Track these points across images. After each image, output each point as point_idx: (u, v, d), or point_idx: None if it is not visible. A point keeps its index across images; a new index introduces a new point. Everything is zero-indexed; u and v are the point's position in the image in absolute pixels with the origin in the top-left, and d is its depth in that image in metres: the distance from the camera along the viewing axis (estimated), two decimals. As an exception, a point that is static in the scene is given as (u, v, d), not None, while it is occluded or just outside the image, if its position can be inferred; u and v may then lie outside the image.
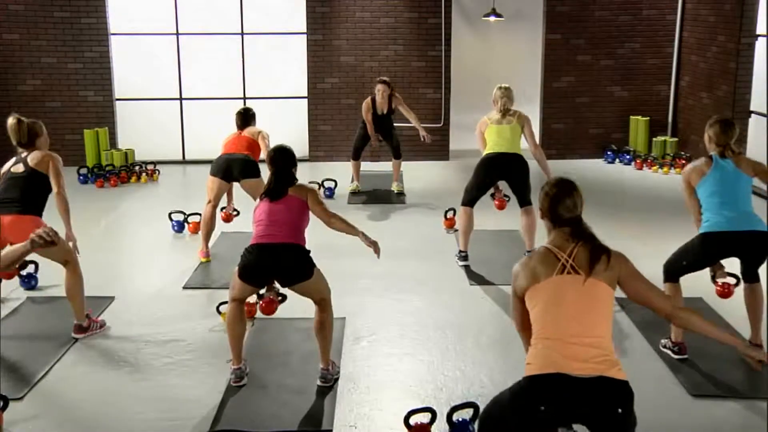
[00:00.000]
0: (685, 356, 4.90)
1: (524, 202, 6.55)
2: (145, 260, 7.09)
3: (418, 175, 10.08)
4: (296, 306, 5.17)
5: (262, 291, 4.85)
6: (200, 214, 7.08)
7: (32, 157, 5.23)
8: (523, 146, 6.62)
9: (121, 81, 10.79)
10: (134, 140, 10.74)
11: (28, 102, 10.38)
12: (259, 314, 5.49)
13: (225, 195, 7.15)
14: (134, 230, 8.11)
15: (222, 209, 7.34)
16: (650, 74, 11.18)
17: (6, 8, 10.37)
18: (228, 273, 6.36)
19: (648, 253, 6.02)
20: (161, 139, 10.84)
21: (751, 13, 9.32)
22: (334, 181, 9.08)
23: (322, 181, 8.99)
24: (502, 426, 3.00)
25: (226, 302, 5.51)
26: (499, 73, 9.99)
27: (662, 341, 5.07)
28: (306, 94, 10.92)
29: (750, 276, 4.80)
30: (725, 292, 5.08)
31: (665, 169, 10.33)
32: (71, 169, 9.53)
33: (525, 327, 3.18)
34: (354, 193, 9.16)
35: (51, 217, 5.27)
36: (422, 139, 9.06)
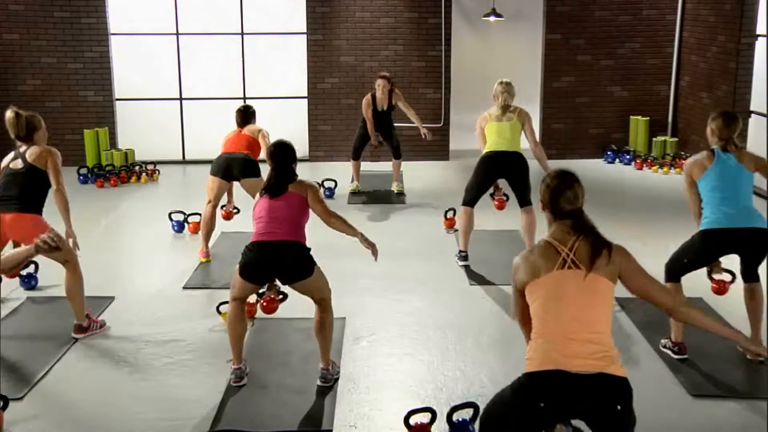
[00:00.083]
0: (685, 356, 4.90)
1: (524, 201, 6.55)
2: (145, 260, 7.09)
3: (418, 175, 10.08)
4: (296, 306, 5.16)
5: (263, 290, 4.84)
6: (200, 214, 7.08)
7: (31, 153, 5.20)
8: (524, 146, 6.61)
9: (121, 81, 10.79)
10: (134, 140, 10.74)
11: (28, 102, 10.35)
12: (259, 314, 5.49)
13: (225, 194, 7.15)
14: (134, 230, 8.11)
15: (222, 207, 7.34)
16: (650, 74, 11.18)
17: (6, 8, 10.38)
18: (228, 273, 6.36)
19: (648, 252, 6.01)
20: (161, 139, 10.84)
21: (751, 13, 9.32)
22: (334, 181, 9.08)
23: (322, 181, 8.99)
24: (503, 423, 2.99)
25: (226, 302, 5.51)
26: (499, 73, 9.93)
27: (662, 341, 5.07)
28: (306, 94, 10.92)
29: (749, 275, 4.80)
30: (720, 289, 5.06)
31: (665, 169, 10.33)
32: (71, 169, 9.54)
33: (526, 321, 3.16)
34: (354, 193, 9.16)
35: (51, 213, 5.27)
36: (423, 137, 9.05)
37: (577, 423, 3.05)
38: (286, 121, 10.63)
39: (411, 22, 10.80)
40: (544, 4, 11.00)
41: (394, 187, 9.23)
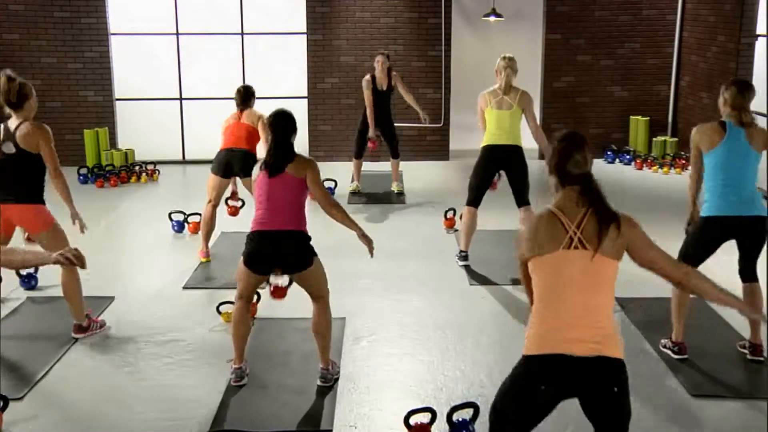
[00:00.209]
0: (685, 356, 4.89)
1: (522, 201, 6.53)
2: (145, 260, 7.09)
3: (418, 175, 10.08)
4: (296, 306, 5.17)
5: (272, 279, 4.77)
6: (200, 214, 7.08)
7: (21, 135, 4.94)
8: (525, 146, 6.61)
9: (121, 81, 10.79)
10: (134, 140, 10.74)
11: (28, 102, 10.37)
12: (259, 314, 5.49)
13: (228, 190, 7.09)
14: (134, 230, 8.11)
15: (226, 200, 7.29)
16: (650, 74, 11.18)
17: (6, 8, 10.38)
18: (228, 273, 6.36)
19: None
20: (161, 139, 10.84)
21: (751, 13, 9.32)
22: (334, 181, 9.08)
23: (322, 181, 8.97)
24: (508, 412, 2.95)
25: (226, 302, 5.53)
26: (499, 73, 9.98)
27: (662, 341, 5.07)
28: (306, 94, 10.92)
29: (748, 274, 4.78)
30: None
31: (665, 169, 10.33)
32: (71, 168, 9.53)
33: (530, 288, 3.05)
34: (354, 194, 9.16)
35: (53, 203, 5.23)
36: (423, 121, 9.04)
37: (574, 417, 3.04)
38: (286, 121, 10.61)
39: (411, 22, 10.80)
40: (544, 4, 11.00)
41: (394, 187, 9.23)
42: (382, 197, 9.08)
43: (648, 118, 11.10)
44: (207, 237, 6.86)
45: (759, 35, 9.31)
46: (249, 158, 6.73)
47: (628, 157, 10.84)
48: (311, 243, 4.48)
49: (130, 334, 5.36)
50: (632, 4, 10.98)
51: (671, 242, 5.29)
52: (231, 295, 5.71)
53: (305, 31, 10.76)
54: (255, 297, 5.23)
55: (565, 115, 11.15)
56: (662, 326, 5.19)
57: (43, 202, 5.11)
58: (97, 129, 10.53)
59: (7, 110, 5.03)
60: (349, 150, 9.41)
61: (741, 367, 4.84)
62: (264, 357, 4.97)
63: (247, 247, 4.45)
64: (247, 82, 10.73)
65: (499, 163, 6.53)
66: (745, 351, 4.94)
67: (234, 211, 7.37)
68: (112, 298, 5.96)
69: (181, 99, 10.91)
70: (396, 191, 9.19)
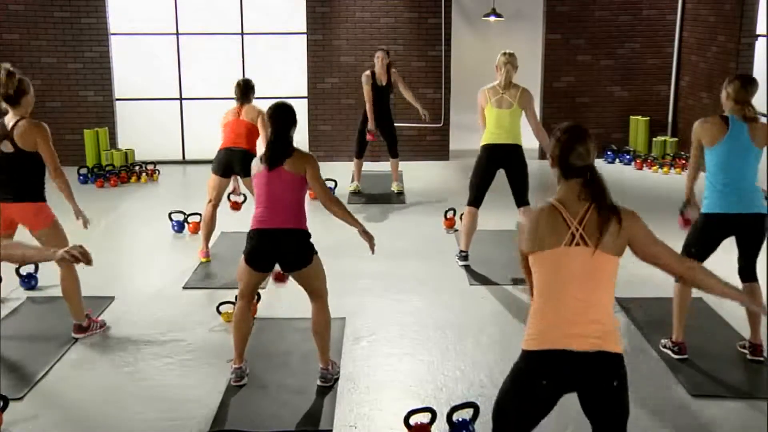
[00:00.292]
0: (685, 356, 4.89)
1: (522, 201, 6.53)
2: (145, 260, 7.09)
3: (418, 175, 10.08)
4: (296, 306, 5.17)
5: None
6: (200, 214, 7.07)
7: (18, 134, 4.90)
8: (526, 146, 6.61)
9: (121, 81, 10.79)
10: (134, 140, 10.74)
11: (28, 102, 10.37)
12: (259, 314, 5.49)
13: (229, 187, 7.08)
14: (134, 230, 8.11)
15: (229, 195, 7.25)
16: (650, 74, 11.18)
17: (6, 8, 10.38)
18: (228, 273, 6.37)
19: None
20: (161, 139, 10.84)
21: (751, 13, 9.32)
22: (334, 181, 9.07)
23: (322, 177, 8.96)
24: (510, 410, 2.95)
25: (226, 302, 5.53)
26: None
27: (662, 341, 5.07)
28: (306, 94, 10.91)
29: (747, 274, 4.77)
30: (686, 225, 4.90)
31: (665, 169, 10.33)
32: (71, 169, 9.53)
33: (531, 277, 3.03)
34: (354, 194, 9.16)
35: (54, 199, 5.23)
36: (422, 117, 9.05)
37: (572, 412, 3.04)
38: (286, 121, 10.61)
39: (411, 22, 10.80)
40: (544, 4, 11.00)
41: (394, 187, 9.23)
42: (382, 197, 9.08)
43: (648, 118, 11.10)
44: (207, 237, 6.85)
45: (759, 35, 9.31)
46: (249, 157, 6.69)
47: (628, 157, 10.84)
48: (311, 241, 4.47)
49: (130, 334, 5.36)
50: (632, 4, 10.98)
51: (672, 242, 5.26)
52: (231, 295, 5.72)
53: (305, 31, 10.76)
54: (255, 297, 5.23)
55: (565, 115, 11.12)
56: (662, 326, 5.19)
57: (44, 199, 5.09)
58: (97, 129, 10.53)
59: (4, 105, 4.98)
60: (349, 150, 9.41)
61: (741, 367, 4.84)
62: (264, 357, 4.97)
63: (248, 245, 4.45)
64: (247, 81, 10.80)
65: (499, 162, 6.52)
66: (745, 351, 4.94)
67: (236, 206, 7.37)
68: (112, 298, 5.96)
69: (181, 99, 10.91)
70: (396, 191, 9.19)
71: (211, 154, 6.92)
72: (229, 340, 4.71)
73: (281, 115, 4.45)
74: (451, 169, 10.56)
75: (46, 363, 4.89)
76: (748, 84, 4.58)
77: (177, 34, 10.75)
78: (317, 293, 4.53)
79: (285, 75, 10.91)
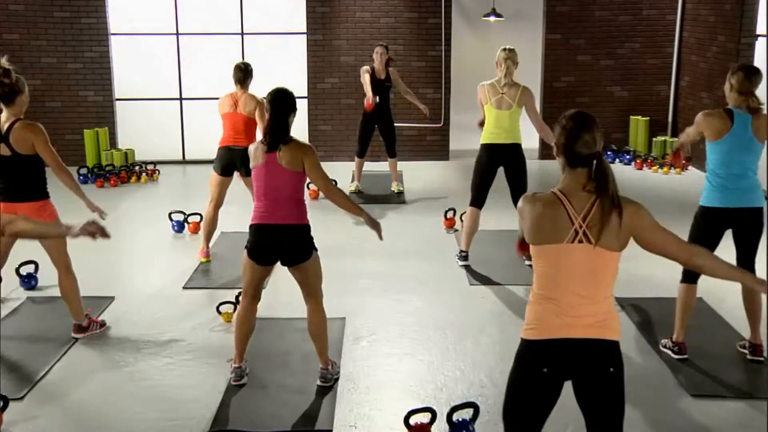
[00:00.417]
0: (685, 356, 4.89)
1: (521, 201, 6.52)
2: (145, 260, 7.09)
3: (418, 175, 10.08)
4: (296, 306, 5.16)
5: None
6: (200, 214, 7.07)
7: (14, 138, 4.85)
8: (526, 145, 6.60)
9: (121, 81, 10.79)
10: (134, 140, 10.75)
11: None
12: (259, 314, 5.47)
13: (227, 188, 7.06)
14: (134, 230, 8.10)
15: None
16: (650, 74, 11.19)
17: (6, 8, 10.38)
18: (228, 273, 6.38)
19: (648, 252, 6.01)
20: (161, 139, 10.84)
21: (751, 13, 9.32)
22: (334, 181, 9.03)
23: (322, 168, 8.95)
24: (518, 402, 2.95)
25: (226, 302, 5.54)
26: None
27: (662, 341, 5.07)
28: (306, 94, 10.91)
29: (746, 269, 4.76)
30: (676, 164, 4.89)
31: (665, 169, 10.33)
32: (71, 169, 9.45)
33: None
34: (354, 193, 9.15)
35: (58, 196, 5.21)
36: (423, 112, 9.06)
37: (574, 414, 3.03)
38: (286, 121, 10.61)
39: (411, 22, 10.80)
40: (544, 4, 11.00)
41: (394, 187, 9.23)
42: (382, 197, 9.08)
43: (648, 118, 11.10)
44: (208, 237, 6.85)
45: (759, 35, 9.31)
46: (248, 157, 6.69)
47: (628, 157, 10.84)
48: (312, 235, 4.45)
49: (130, 334, 5.36)
50: (632, 4, 10.98)
51: (671, 242, 5.30)
52: (231, 295, 5.73)
53: (305, 31, 10.77)
54: (259, 296, 5.22)
55: (566, 115, 11.14)
56: (662, 326, 5.19)
57: (47, 196, 5.05)
58: (97, 129, 10.54)
59: None
60: (349, 150, 9.41)
61: (741, 367, 4.84)
62: (264, 357, 4.97)
63: (249, 240, 4.46)
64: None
65: (499, 161, 6.54)
66: (745, 351, 4.94)
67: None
68: (112, 298, 5.96)
69: (181, 99, 10.91)
70: (396, 191, 9.19)
71: (211, 154, 6.91)
72: (229, 340, 4.71)
73: (280, 99, 4.40)
74: (451, 169, 10.56)
75: (46, 363, 4.89)
76: (752, 74, 4.55)
77: (177, 34, 10.75)
78: (312, 291, 4.51)
79: (285, 75, 10.86)
